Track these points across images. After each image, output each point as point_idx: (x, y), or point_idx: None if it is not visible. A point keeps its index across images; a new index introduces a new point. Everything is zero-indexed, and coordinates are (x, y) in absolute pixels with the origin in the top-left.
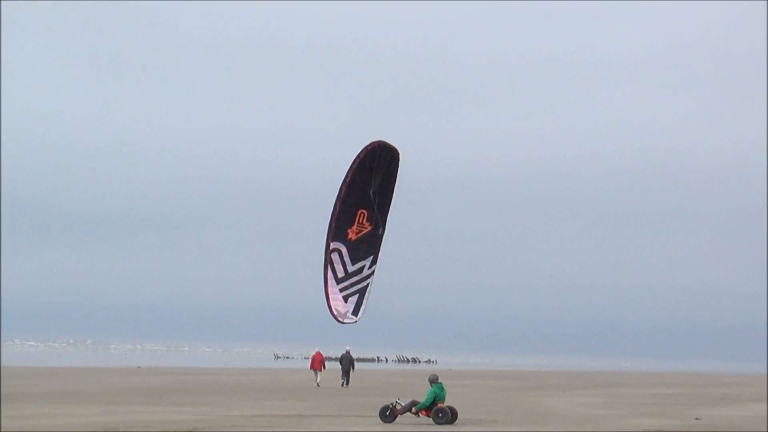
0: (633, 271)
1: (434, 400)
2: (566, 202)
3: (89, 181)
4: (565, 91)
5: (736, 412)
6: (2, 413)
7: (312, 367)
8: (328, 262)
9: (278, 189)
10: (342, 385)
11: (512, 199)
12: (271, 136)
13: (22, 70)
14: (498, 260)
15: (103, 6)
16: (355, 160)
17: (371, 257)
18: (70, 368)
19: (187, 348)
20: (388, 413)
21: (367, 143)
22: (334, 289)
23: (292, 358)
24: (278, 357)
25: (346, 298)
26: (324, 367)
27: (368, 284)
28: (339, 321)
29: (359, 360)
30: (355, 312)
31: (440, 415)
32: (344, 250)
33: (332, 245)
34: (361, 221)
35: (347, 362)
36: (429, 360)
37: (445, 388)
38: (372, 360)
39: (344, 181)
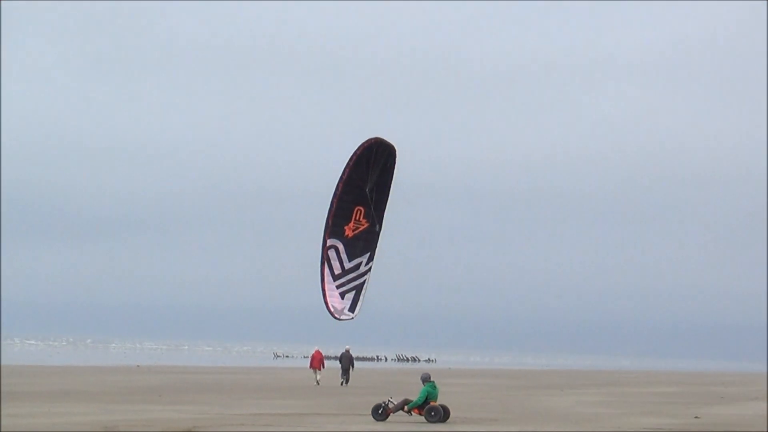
0: (632, 270)
1: (427, 398)
2: (566, 201)
3: (88, 180)
4: (566, 90)
5: (735, 411)
6: (2, 412)
7: (311, 365)
8: (325, 259)
9: (278, 188)
10: (341, 384)
11: (512, 198)
12: (271, 136)
13: (23, 70)
14: (497, 259)
15: (104, 5)
16: (351, 156)
17: (368, 254)
18: (70, 367)
19: (186, 347)
20: (380, 411)
21: (364, 140)
22: (330, 285)
23: (292, 357)
24: (278, 356)
25: (342, 295)
26: (323, 366)
27: (365, 281)
28: (336, 318)
29: (359, 359)
30: (352, 309)
31: (432, 413)
32: (341, 247)
33: (329, 242)
34: (357, 218)
35: (347, 361)
36: (429, 359)
37: (437, 386)
38: (371, 359)
39: (341, 177)
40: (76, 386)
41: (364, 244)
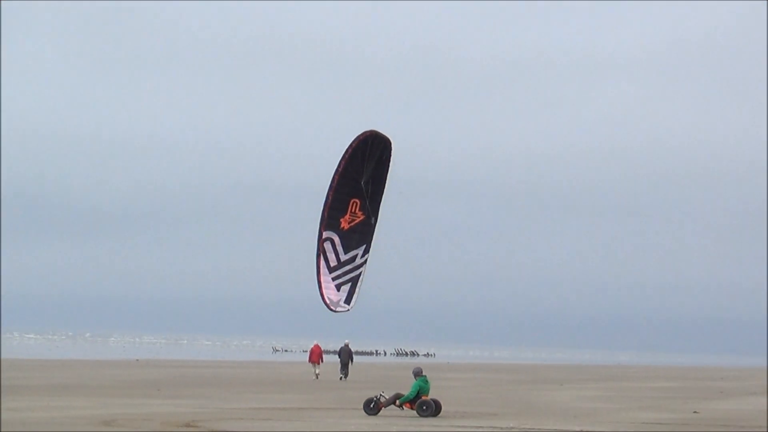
0: (631, 266)
1: (418, 392)
2: (565, 197)
3: (88, 175)
4: (564, 87)
5: (734, 405)
6: (2, 406)
7: (310, 360)
8: (321, 251)
9: (278, 182)
10: (341, 378)
11: (511, 193)
12: (270, 130)
13: (23, 66)
14: (496, 254)
15: (105, 2)
16: (347, 149)
17: (364, 246)
18: (69, 361)
19: (185, 341)
20: (372, 406)
21: (359, 133)
22: (326, 277)
23: (291, 351)
24: (277, 350)
25: (338, 287)
26: (322, 360)
27: (361, 273)
28: (331, 309)
29: (358, 353)
30: (348, 300)
31: (424, 407)
32: (337, 239)
33: (325, 234)
34: (353, 210)
35: (346, 355)
36: (428, 353)
37: (429, 381)
38: (371, 353)
39: (337, 170)
40: (75, 380)
41: (360, 236)
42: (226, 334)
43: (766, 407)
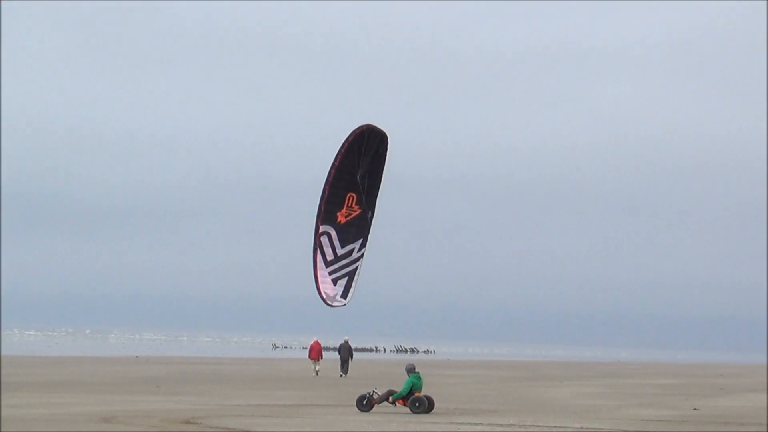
0: (631, 261)
1: (411, 389)
2: (565, 192)
3: (88, 171)
4: (565, 81)
5: (734, 402)
6: (2, 402)
7: (310, 356)
8: (318, 245)
9: (278, 179)
10: (341, 375)
11: (511, 189)
12: (271, 127)
13: (24, 64)
14: (496, 250)
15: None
16: (343, 143)
17: (360, 240)
18: (69, 357)
19: (185, 337)
20: (365, 402)
21: (356, 127)
22: (323, 272)
23: (291, 347)
24: (276, 347)
25: (335, 281)
26: (322, 357)
27: (357, 267)
28: (328, 304)
29: (358, 350)
30: (344, 295)
31: (417, 404)
32: (333, 233)
33: (321, 228)
34: (350, 204)
35: (346, 352)
36: (427, 350)
37: (422, 377)
38: (370, 350)
39: (333, 164)
40: (74, 377)
41: (357, 230)
42: (225, 331)
43: (766, 404)
